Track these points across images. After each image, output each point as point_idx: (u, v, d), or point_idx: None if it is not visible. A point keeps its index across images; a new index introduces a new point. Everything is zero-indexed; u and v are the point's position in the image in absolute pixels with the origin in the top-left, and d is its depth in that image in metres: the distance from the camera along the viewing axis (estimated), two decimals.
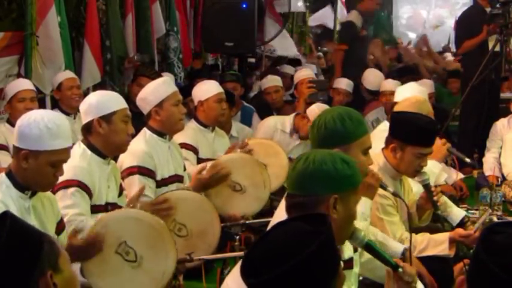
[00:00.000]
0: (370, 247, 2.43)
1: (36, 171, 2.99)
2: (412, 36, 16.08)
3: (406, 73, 7.93)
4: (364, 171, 2.90)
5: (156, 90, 4.24)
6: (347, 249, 2.85)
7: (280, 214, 2.78)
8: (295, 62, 9.68)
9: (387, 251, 3.45)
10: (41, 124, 2.96)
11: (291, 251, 1.66)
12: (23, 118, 3.02)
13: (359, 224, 3.33)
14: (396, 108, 4.44)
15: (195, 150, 4.93)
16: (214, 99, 5.01)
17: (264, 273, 1.65)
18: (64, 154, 3.04)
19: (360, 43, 8.51)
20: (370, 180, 3.38)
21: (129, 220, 3.15)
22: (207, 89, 5.05)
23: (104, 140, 3.59)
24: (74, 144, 3.82)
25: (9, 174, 3.04)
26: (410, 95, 4.67)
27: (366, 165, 2.89)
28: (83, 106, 3.68)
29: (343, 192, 2.30)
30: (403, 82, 6.34)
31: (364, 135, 2.87)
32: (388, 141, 3.77)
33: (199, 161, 4.94)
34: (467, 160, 4.95)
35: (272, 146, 4.85)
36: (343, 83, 7.40)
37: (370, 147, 2.92)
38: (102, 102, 3.61)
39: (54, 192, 3.36)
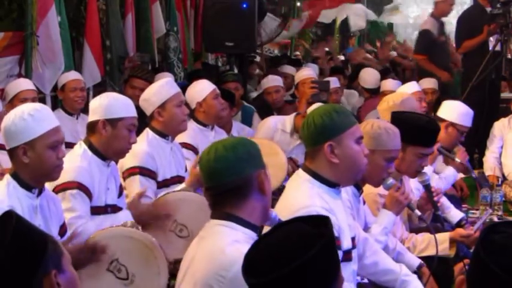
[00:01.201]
0: None
1: (39, 161, 3.00)
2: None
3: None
4: (360, 162, 2.89)
5: (159, 91, 4.24)
6: (345, 241, 2.86)
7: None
8: (296, 62, 9.70)
9: (403, 262, 3.48)
10: (24, 115, 2.99)
11: (294, 252, 1.66)
12: (5, 120, 3.05)
13: (380, 238, 3.37)
14: (380, 111, 4.54)
15: (195, 150, 4.93)
16: (212, 97, 5.02)
17: (267, 274, 1.65)
18: (57, 134, 3.06)
19: (439, 49, 8.20)
20: (400, 198, 3.41)
21: (121, 238, 3.14)
22: (201, 89, 5.06)
23: (104, 142, 3.58)
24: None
25: (14, 175, 3.05)
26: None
27: (361, 155, 2.88)
28: (94, 104, 3.66)
29: (263, 165, 2.40)
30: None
31: (353, 125, 2.87)
32: None
33: None
34: (457, 160, 4.98)
35: (270, 146, 4.84)
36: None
37: (362, 137, 2.91)
38: (112, 105, 3.60)
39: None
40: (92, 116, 3.63)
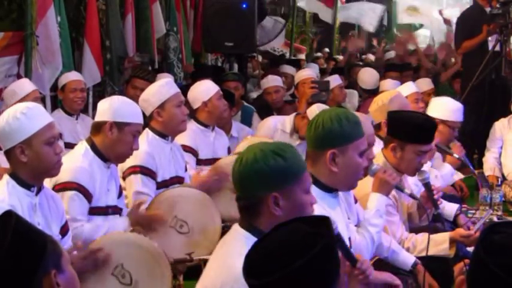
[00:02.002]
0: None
1: (38, 158, 3.01)
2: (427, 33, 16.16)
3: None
4: (358, 175, 2.91)
5: (158, 91, 4.24)
6: None
7: None
8: (296, 62, 9.70)
9: (398, 261, 3.47)
10: (16, 114, 3.00)
11: (296, 251, 1.66)
12: None
13: (375, 221, 3.34)
14: (372, 112, 4.52)
15: (194, 152, 4.93)
16: (217, 97, 5.02)
17: (268, 275, 1.65)
18: (52, 130, 3.06)
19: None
20: (388, 178, 3.40)
21: (127, 244, 3.16)
22: (207, 89, 5.05)
23: (108, 144, 3.59)
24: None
25: (13, 175, 3.06)
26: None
27: (361, 168, 2.88)
28: (103, 105, 3.66)
29: (284, 188, 2.25)
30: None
31: (361, 137, 2.87)
32: (387, 141, 3.79)
33: (200, 161, 4.94)
34: (456, 156, 4.98)
35: None
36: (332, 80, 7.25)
37: (366, 150, 2.92)
38: (123, 109, 3.61)
39: None
40: (100, 117, 3.64)
